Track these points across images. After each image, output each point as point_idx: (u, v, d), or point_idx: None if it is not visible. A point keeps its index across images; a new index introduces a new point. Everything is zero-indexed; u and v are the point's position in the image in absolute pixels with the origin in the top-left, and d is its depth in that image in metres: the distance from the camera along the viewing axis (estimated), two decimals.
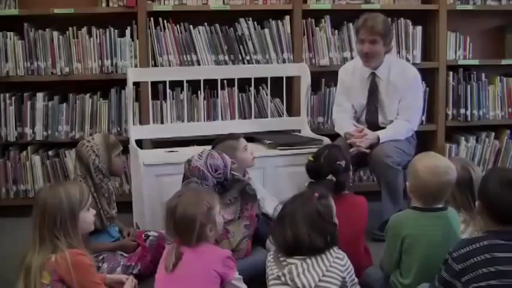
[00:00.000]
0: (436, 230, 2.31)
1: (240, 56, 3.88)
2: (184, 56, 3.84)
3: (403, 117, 3.40)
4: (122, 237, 2.96)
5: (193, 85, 3.80)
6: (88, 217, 2.25)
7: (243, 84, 3.88)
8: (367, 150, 3.25)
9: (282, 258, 2.18)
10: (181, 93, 3.84)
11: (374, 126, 3.43)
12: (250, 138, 3.31)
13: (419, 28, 4.02)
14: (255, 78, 3.77)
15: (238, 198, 2.82)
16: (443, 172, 2.30)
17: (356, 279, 2.23)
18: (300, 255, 2.14)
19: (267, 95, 3.89)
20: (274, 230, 2.25)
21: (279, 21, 3.90)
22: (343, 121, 3.49)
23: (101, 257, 2.76)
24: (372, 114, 3.48)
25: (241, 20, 3.87)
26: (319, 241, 2.15)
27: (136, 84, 3.76)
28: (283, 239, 2.17)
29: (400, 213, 2.44)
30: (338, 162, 2.68)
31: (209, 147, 3.39)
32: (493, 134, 4.15)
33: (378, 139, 3.30)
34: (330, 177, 2.63)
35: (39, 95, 3.80)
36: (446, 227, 2.32)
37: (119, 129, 3.87)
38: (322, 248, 2.16)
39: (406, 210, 2.42)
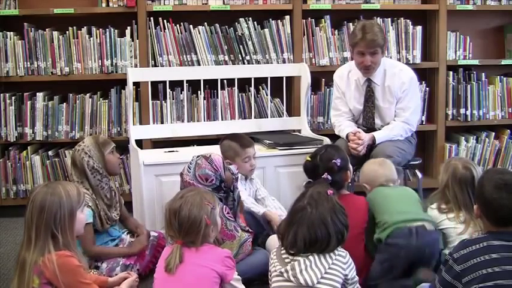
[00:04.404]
0: (395, 189, 2.81)
1: (240, 56, 3.88)
2: (184, 56, 3.84)
3: (400, 119, 3.39)
4: (132, 236, 2.98)
5: (193, 85, 3.80)
6: (82, 218, 2.24)
7: (243, 84, 3.88)
8: (364, 151, 3.26)
9: (284, 255, 2.18)
10: (181, 93, 3.84)
11: (371, 130, 3.42)
12: (251, 138, 3.30)
13: (419, 28, 4.02)
14: (255, 78, 3.78)
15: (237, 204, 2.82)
16: (381, 161, 2.93)
17: (356, 277, 2.23)
18: (308, 253, 2.14)
19: (267, 95, 3.89)
20: (284, 229, 2.23)
21: (279, 21, 3.90)
22: (342, 124, 3.47)
23: None
24: (368, 120, 3.47)
25: (241, 20, 3.86)
26: (334, 240, 2.16)
27: (137, 84, 3.76)
28: (294, 238, 2.16)
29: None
30: (333, 161, 2.68)
31: (209, 147, 3.41)
32: (493, 134, 4.16)
33: (374, 140, 3.30)
34: (325, 175, 2.63)
35: (39, 95, 3.80)
36: (404, 189, 2.84)
37: (119, 129, 3.87)
38: (335, 247, 2.17)
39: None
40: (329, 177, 2.61)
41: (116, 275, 2.66)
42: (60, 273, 2.05)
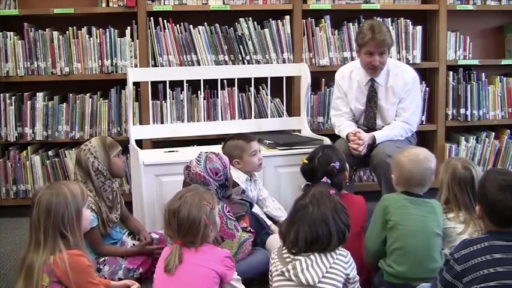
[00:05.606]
0: (419, 217, 2.48)
1: (240, 56, 3.88)
2: (184, 56, 3.84)
3: (401, 119, 3.39)
4: (133, 238, 2.99)
5: (193, 85, 3.80)
6: (87, 215, 2.27)
7: (243, 84, 3.88)
8: (364, 151, 3.26)
9: (286, 255, 2.19)
10: (181, 93, 3.84)
11: (372, 130, 3.41)
12: None
13: (419, 28, 4.02)
14: (255, 78, 3.78)
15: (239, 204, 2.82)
16: (423, 159, 2.56)
17: (357, 277, 2.23)
18: (309, 252, 2.14)
19: (267, 95, 3.89)
20: (285, 228, 2.23)
21: (279, 21, 3.90)
22: (342, 124, 3.47)
23: (102, 259, 2.75)
24: (369, 120, 3.46)
25: (241, 20, 3.86)
26: (335, 239, 2.16)
27: (137, 84, 3.76)
28: (296, 237, 2.16)
29: (391, 194, 2.59)
30: (332, 164, 2.68)
31: (209, 147, 3.41)
32: (493, 134, 4.16)
33: (374, 140, 3.30)
34: (324, 179, 2.63)
35: (39, 95, 3.80)
36: (429, 213, 2.50)
37: (119, 129, 3.87)
38: (336, 246, 2.17)
39: (397, 193, 2.58)
40: (328, 181, 2.62)
41: (119, 278, 2.66)
42: (72, 272, 2.06)
